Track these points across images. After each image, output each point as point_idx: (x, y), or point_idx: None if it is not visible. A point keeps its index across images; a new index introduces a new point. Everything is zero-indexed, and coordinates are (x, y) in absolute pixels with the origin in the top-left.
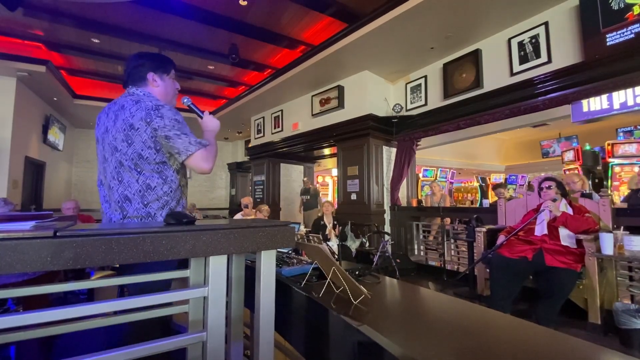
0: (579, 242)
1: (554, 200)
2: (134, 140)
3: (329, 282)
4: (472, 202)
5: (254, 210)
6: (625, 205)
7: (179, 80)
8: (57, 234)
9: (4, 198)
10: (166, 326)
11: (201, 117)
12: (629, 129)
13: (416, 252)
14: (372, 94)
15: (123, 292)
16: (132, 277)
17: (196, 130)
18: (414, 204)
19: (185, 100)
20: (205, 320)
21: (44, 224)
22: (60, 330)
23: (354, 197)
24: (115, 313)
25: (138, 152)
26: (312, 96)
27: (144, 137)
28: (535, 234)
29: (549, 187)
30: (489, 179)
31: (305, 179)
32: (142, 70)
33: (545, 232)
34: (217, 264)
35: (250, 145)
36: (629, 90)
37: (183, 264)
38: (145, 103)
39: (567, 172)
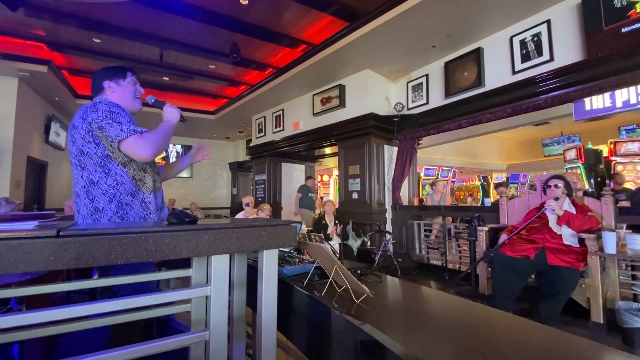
0: (581, 240)
1: (556, 199)
2: (75, 137)
3: (331, 281)
4: (473, 201)
5: (256, 209)
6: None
7: (179, 80)
8: (60, 233)
9: (6, 197)
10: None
11: (161, 109)
12: (631, 127)
13: (418, 251)
14: (374, 92)
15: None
16: (133, 276)
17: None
18: (416, 203)
19: (148, 98)
20: (208, 319)
21: (46, 223)
22: (63, 329)
23: (355, 196)
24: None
25: (79, 148)
26: (313, 95)
27: (82, 133)
28: (550, 225)
29: (556, 186)
30: (491, 177)
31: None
32: (98, 81)
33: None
34: (220, 263)
35: (251, 145)
36: (632, 89)
37: (185, 264)
38: (95, 105)
39: (568, 172)
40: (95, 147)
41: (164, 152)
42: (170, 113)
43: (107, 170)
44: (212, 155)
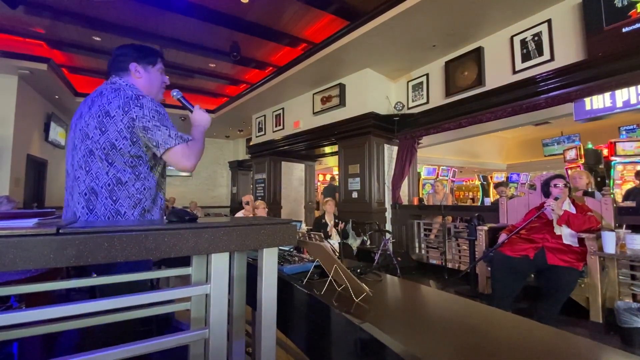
0: (581, 240)
1: (556, 198)
2: (108, 128)
3: (330, 280)
4: (473, 201)
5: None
6: (631, 204)
7: (179, 78)
8: (60, 231)
9: (7, 196)
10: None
11: (191, 111)
12: (632, 127)
13: (417, 251)
14: (374, 92)
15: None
16: (135, 274)
17: (187, 129)
18: (415, 202)
19: (174, 94)
20: (208, 317)
21: (46, 221)
22: (63, 327)
23: (355, 195)
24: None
25: (111, 142)
26: (314, 94)
27: (119, 126)
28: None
29: (556, 186)
30: (491, 177)
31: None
32: (125, 60)
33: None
34: (219, 261)
35: (251, 144)
36: (632, 88)
37: (185, 262)
38: (125, 92)
39: (576, 169)
40: (130, 145)
41: None
42: (203, 118)
43: (137, 173)
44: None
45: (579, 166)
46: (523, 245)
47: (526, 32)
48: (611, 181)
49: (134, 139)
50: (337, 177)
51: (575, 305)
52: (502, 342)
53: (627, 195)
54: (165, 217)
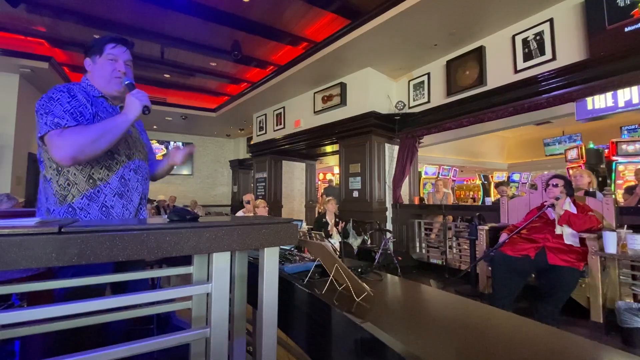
0: (582, 240)
1: (557, 198)
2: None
3: (331, 279)
4: (474, 200)
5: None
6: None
7: (180, 77)
8: (62, 230)
9: (7, 194)
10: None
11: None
12: (633, 127)
13: (418, 250)
14: (375, 91)
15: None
16: (137, 273)
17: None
18: (416, 201)
19: (124, 79)
20: (209, 316)
21: (48, 220)
22: (64, 325)
23: (355, 194)
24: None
25: (37, 140)
26: (315, 93)
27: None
28: (557, 224)
29: (555, 185)
30: (492, 177)
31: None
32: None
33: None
34: (221, 260)
35: (252, 143)
36: (634, 88)
37: (186, 261)
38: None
39: (577, 169)
40: (40, 140)
41: (165, 149)
42: (130, 104)
43: (59, 169)
44: (185, 160)
45: (580, 166)
46: (524, 245)
47: (528, 31)
48: (612, 182)
49: None
50: (338, 176)
51: (575, 305)
52: (503, 341)
53: (629, 190)
54: (148, 215)
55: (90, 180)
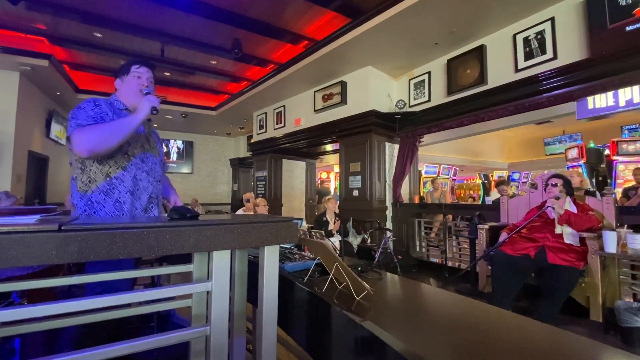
0: (582, 240)
1: (557, 198)
2: None
3: (331, 277)
4: (474, 199)
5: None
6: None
7: (180, 75)
8: (62, 227)
9: (6, 191)
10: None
11: None
12: (634, 126)
13: (418, 249)
14: (375, 89)
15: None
16: (139, 271)
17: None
18: (416, 200)
19: (143, 90)
20: (209, 314)
21: (48, 217)
22: (64, 323)
23: (356, 193)
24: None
25: (66, 144)
26: (315, 92)
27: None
28: (557, 223)
29: (554, 185)
30: (492, 176)
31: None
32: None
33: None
34: (221, 259)
35: (252, 141)
36: (635, 88)
37: (186, 259)
38: None
39: (571, 170)
40: (68, 143)
41: (165, 147)
42: (141, 105)
43: (82, 167)
44: None
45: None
46: (524, 244)
47: (529, 30)
48: (612, 181)
49: None
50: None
51: (575, 305)
52: (502, 340)
53: (625, 194)
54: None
55: (107, 178)
